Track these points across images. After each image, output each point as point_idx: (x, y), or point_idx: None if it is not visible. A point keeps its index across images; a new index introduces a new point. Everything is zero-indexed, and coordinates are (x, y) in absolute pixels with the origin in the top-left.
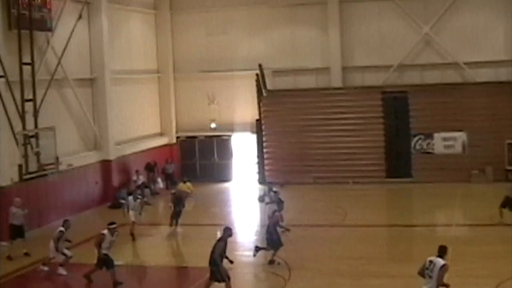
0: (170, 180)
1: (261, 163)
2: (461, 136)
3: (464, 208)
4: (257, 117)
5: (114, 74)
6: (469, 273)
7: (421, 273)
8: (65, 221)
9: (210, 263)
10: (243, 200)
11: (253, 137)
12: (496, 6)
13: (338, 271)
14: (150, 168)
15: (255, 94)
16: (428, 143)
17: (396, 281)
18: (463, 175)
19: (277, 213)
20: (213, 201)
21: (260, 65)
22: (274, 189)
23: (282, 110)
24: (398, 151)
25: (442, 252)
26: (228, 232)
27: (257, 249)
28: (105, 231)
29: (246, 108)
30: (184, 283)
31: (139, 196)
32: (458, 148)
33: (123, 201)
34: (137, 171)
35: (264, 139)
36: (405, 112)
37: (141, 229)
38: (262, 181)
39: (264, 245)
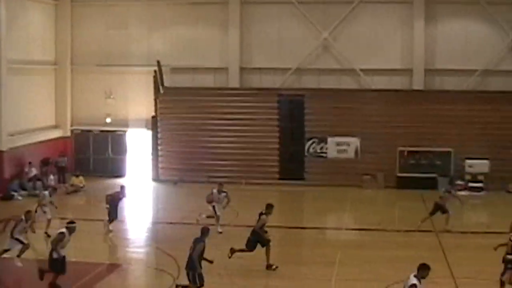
0: (62, 173)
1: (155, 160)
2: (354, 141)
3: (354, 213)
4: (153, 114)
5: (11, 63)
6: (356, 277)
7: None
8: (28, 212)
9: (187, 265)
10: (135, 196)
11: (149, 134)
12: (394, 16)
13: (229, 270)
14: (45, 162)
15: (152, 91)
16: (322, 147)
17: (288, 283)
18: (354, 180)
19: (263, 216)
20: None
21: (158, 62)
22: (224, 190)
23: (178, 107)
24: (292, 153)
25: (419, 270)
26: (207, 232)
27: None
28: (64, 230)
29: (143, 104)
30: (72, 279)
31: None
32: (351, 153)
33: (14, 193)
34: (30, 163)
35: (159, 136)
36: (300, 116)
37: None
38: (156, 178)
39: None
